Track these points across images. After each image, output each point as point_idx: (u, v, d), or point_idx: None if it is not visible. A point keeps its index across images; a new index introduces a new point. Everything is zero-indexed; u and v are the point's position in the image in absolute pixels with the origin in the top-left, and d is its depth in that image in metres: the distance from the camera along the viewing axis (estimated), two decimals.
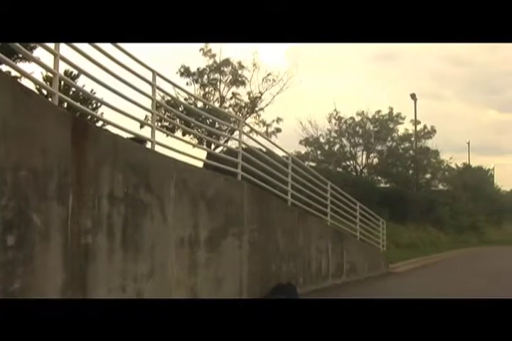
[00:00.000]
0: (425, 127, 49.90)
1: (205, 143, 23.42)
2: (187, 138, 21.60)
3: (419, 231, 37.92)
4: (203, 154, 18.21)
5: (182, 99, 25.39)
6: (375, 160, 49.01)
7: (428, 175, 51.53)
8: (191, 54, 30.65)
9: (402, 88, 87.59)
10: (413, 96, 44.16)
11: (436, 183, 53.12)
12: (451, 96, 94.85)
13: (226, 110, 28.37)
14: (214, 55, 29.99)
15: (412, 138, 47.89)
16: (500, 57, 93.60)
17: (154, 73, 9.35)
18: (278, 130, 31.07)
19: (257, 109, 31.05)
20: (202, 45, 29.47)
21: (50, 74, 8.31)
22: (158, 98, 11.30)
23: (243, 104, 30.81)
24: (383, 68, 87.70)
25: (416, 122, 46.64)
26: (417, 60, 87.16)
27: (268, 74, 30.84)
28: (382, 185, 48.07)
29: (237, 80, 30.33)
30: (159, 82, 9.69)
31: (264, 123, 30.93)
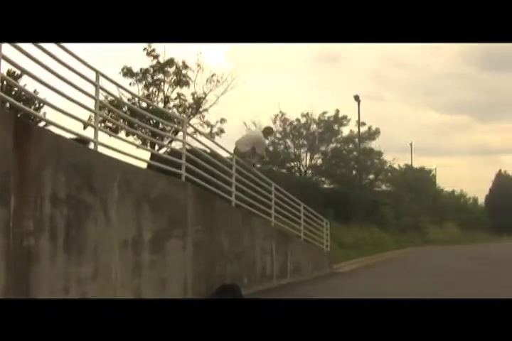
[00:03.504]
0: (370, 128, 50.37)
1: (148, 144, 23.27)
2: (130, 138, 21.41)
3: (362, 232, 38.26)
4: (146, 155, 18.13)
5: (125, 100, 25.19)
6: (319, 161, 49.33)
7: (371, 176, 52.02)
8: (135, 54, 30.20)
9: (346, 89, 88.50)
10: (356, 97, 44.57)
11: (379, 184, 53.70)
12: (392, 98, 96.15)
13: (170, 111, 28.17)
14: (158, 56, 29.80)
15: (356, 140, 48.30)
16: (438, 59, 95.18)
17: (98, 73, 9.28)
18: (222, 131, 30.98)
19: (201, 109, 30.88)
20: (145, 44, 29.21)
21: None
22: (101, 98, 11.22)
23: (187, 105, 30.65)
24: (327, 69, 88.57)
25: (359, 123, 47.14)
26: (358, 61, 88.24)
27: (212, 75, 30.69)
28: (326, 185, 48.41)
29: (181, 81, 30.14)
30: (103, 82, 9.62)
31: (208, 124, 30.81)
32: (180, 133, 15.17)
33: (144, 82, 29.88)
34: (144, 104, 26.67)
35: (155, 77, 29.97)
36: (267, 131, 18.70)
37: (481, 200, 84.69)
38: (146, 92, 29.85)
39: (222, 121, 30.95)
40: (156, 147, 23.34)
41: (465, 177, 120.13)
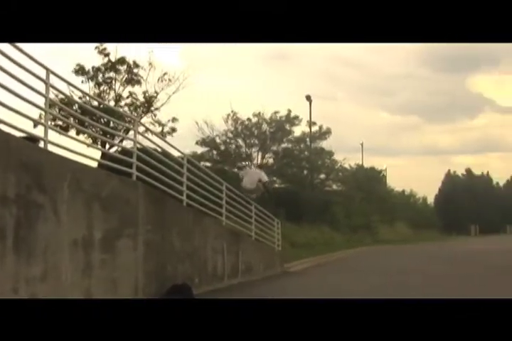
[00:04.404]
0: (321, 128, 50.55)
1: (99, 143, 23.10)
2: (81, 137, 21.23)
3: (314, 231, 38.45)
4: (97, 154, 17.96)
5: (76, 98, 24.97)
6: (271, 161, 49.36)
7: (322, 176, 52.19)
8: (87, 52, 29.88)
9: (300, 89, 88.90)
10: (308, 97, 44.82)
11: (330, 183, 53.86)
12: (345, 97, 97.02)
13: (121, 109, 27.98)
14: (109, 54, 29.59)
15: (308, 139, 48.48)
16: (392, 60, 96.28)
17: (48, 71, 9.18)
18: (173, 130, 30.85)
19: (152, 108, 30.74)
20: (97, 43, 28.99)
21: None
22: (52, 96, 11.10)
23: (139, 104, 30.46)
24: (280, 69, 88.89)
25: (311, 123, 47.35)
26: (311, 60, 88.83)
27: (164, 74, 30.56)
28: (277, 185, 48.49)
29: (133, 79, 29.98)
30: (53, 79, 9.53)
31: (159, 123, 30.68)
32: (132, 132, 15.10)
33: (95, 80, 29.66)
34: (95, 103, 26.43)
35: (106, 76, 29.74)
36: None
37: (431, 200, 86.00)
38: (97, 91, 29.62)
39: (174, 120, 30.88)
40: (107, 146, 23.17)
41: (415, 177, 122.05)
